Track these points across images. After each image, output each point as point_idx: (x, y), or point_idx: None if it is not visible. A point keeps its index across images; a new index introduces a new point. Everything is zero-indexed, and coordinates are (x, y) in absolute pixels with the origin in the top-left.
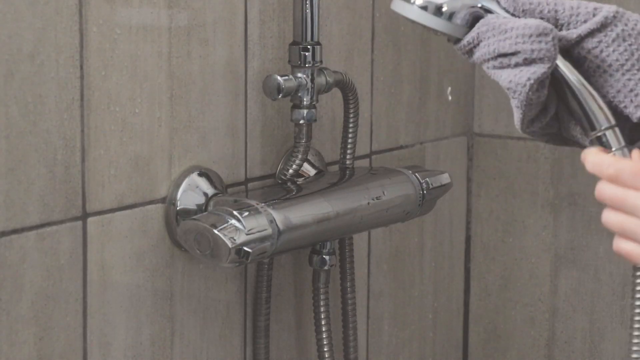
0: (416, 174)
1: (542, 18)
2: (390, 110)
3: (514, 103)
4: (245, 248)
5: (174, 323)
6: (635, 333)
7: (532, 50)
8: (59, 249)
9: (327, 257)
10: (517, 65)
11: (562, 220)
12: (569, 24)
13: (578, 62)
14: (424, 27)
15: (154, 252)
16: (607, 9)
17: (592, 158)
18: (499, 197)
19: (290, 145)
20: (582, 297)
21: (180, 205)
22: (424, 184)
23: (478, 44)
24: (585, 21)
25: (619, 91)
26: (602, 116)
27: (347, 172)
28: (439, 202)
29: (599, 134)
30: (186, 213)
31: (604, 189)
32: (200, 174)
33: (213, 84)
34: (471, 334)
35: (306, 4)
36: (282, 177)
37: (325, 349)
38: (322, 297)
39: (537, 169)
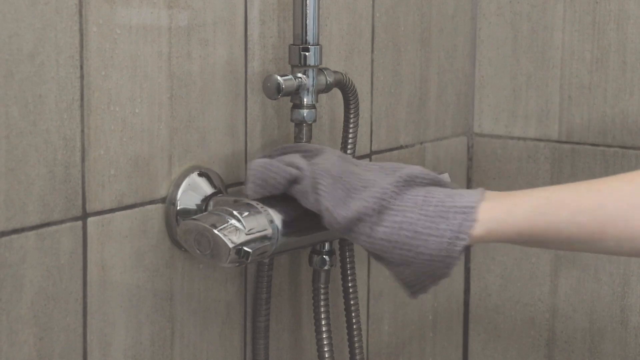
0: None
1: None
2: (390, 110)
3: None
4: (245, 248)
5: (174, 323)
6: None
7: None
8: (59, 249)
9: (327, 257)
10: None
11: None
12: None
13: None
14: None
15: (154, 252)
16: None
17: None
18: None
19: None
20: (582, 297)
21: (180, 205)
22: None
23: None
24: None
25: None
26: None
27: None
28: None
29: None
30: (186, 213)
31: None
32: (200, 174)
33: (213, 84)
34: (471, 334)
35: (306, 4)
36: None
37: (325, 349)
38: (322, 297)
39: (537, 169)
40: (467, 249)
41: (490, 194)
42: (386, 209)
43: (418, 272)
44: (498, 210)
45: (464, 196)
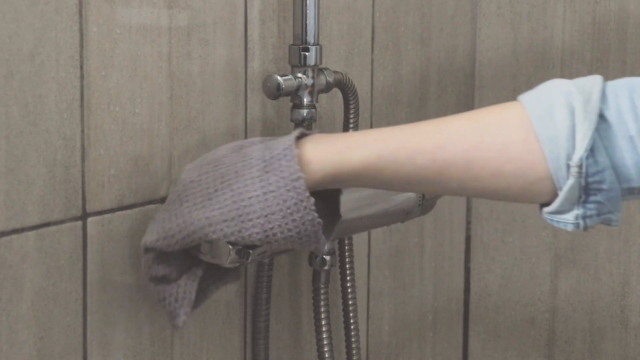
0: None
1: None
2: (390, 110)
3: None
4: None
5: None
6: None
7: None
8: (59, 249)
9: (327, 257)
10: None
11: None
12: None
13: None
14: None
15: None
16: None
17: None
18: None
19: None
20: (582, 297)
21: None
22: None
23: None
24: None
25: None
26: None
27: None
28: (439, 202)
29: None
30: None
31: None
32: None
33: (213, 84)
34: (471, 334)
35: (306, 4)
36: None
37: (325, 349)
38: (322, 297)
39: None
40: (336, 200)
41: (320, 135)
42: (211, 195)
43: (289, 235)
44: (333, 153)
45: (280, 140)
